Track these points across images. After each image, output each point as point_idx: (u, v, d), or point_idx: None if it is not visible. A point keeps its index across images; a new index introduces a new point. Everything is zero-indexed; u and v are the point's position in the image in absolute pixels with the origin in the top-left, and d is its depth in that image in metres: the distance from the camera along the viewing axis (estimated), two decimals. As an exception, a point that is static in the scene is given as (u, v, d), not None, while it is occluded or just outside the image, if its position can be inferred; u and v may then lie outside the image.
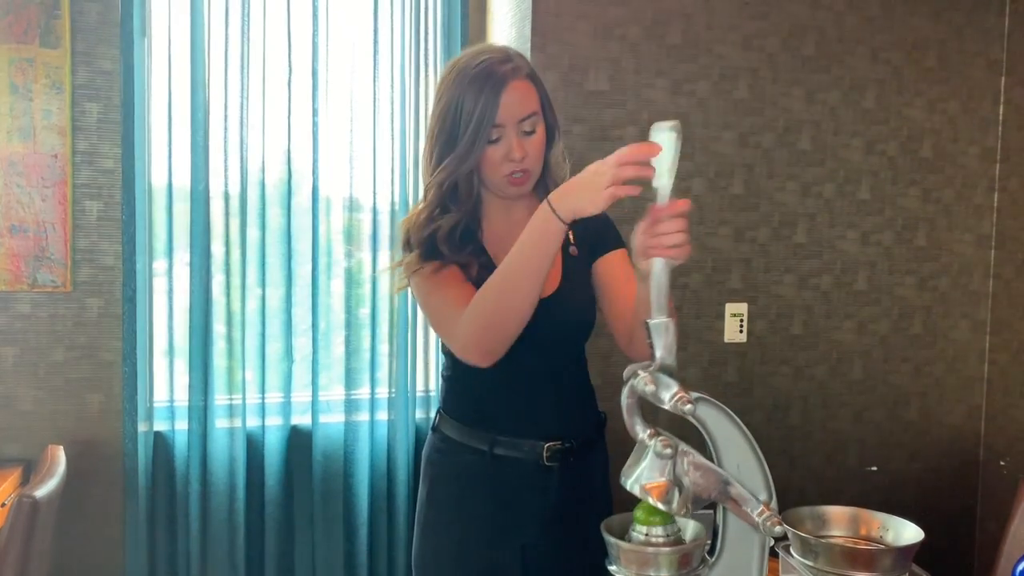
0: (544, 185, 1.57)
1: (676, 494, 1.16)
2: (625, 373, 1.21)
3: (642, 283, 1.29)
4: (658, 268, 1.21)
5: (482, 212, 1.58)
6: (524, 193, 1.56)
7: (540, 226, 1.34)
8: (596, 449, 1.63)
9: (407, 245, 1.54)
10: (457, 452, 1.58)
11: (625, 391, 1.19)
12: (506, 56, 1.48)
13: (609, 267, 1.60)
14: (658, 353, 1.18)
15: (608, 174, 1.24)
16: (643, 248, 1.24)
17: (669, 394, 1.15)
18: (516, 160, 1.47)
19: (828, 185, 2.86)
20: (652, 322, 1.18)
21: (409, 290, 1.59)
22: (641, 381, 1.16)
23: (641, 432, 1.17)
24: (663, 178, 1.20)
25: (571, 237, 1.58)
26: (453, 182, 1.50)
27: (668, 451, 1.15)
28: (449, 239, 1.51)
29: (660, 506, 1.16)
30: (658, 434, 1.16)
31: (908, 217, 2.95)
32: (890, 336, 2.97)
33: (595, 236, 1.60)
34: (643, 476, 1.16)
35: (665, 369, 1.17)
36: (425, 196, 1.56)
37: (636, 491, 1.18)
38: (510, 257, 1.38)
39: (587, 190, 1.28)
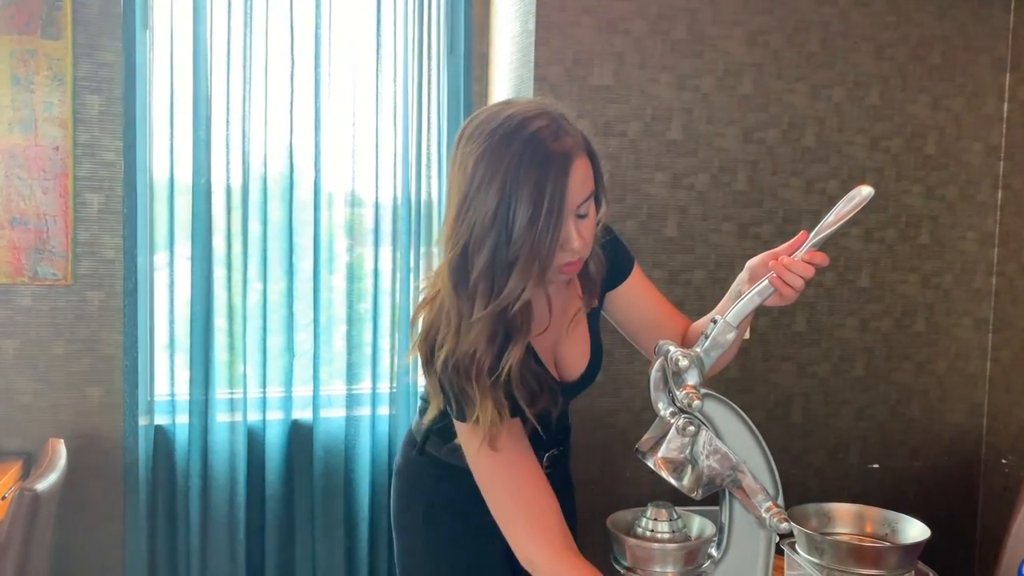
0: (585, 264, 1.35)
1: (688, 471, 1.17)
2: (657, 347, 1.21)
3: (736, 289, 1.33)
4: (760, 290, 1.24)
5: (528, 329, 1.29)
6: (571, 277, 1.35)
7: None
8: (568, 445, 1.61)
9: (441, 387, 1.24)
10: (459, 477, 1.39)
11: (656, 363, 1.19)
12: (558, 125, 1.18)
13: (630, 294, 1.50)
14: (705, 345, 1.20)
15: None
16: (760, 264, 1.27)
17: (688, 383, 1.15)
18: (576, 250, 1.22)
19: (832, 182, 2.85)
20: (721, 320, 1.21)
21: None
22: (676, 354, 1.17)
23: (664, 409, 1.17)
24: (829, 228, 1.22)
25: (580, 292, 1.41)
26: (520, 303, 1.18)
27: (691, 429, 1.15)
28: (524, 380, 1.24)
29: (671, 480, 1.16)
30: (682, 412, 1.16)
31: (911, 214, 2.94)
32: (893, 333, 2.96)
33: (610, 268, 1.44)
34: (661, 450, 1.17)
35: (701, 363, 1.18)
36: (458, 319, 1.20)
37: (650, 463, 1.18)
38: None
39: None
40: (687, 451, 1.16)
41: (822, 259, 1.23)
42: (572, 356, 1.43)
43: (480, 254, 1.15)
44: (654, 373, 1.19)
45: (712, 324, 1.21)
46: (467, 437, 1.27)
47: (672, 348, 1.18)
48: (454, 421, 1.29)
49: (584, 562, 1.21)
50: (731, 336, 1.19)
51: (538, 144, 1.14)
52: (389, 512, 2.86)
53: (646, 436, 1.22)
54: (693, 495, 1.18)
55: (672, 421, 1.16)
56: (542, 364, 1.35)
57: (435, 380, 1.25)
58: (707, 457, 1.17)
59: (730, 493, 1.19)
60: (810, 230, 1.25)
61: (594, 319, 1.47)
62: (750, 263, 1.30)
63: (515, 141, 1.14)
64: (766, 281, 1.23)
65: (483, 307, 1.17)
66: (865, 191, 1.20)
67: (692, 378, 1.16)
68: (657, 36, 2.66)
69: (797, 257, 1.24)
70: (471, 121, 1.22)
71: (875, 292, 2.93)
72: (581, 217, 1.21)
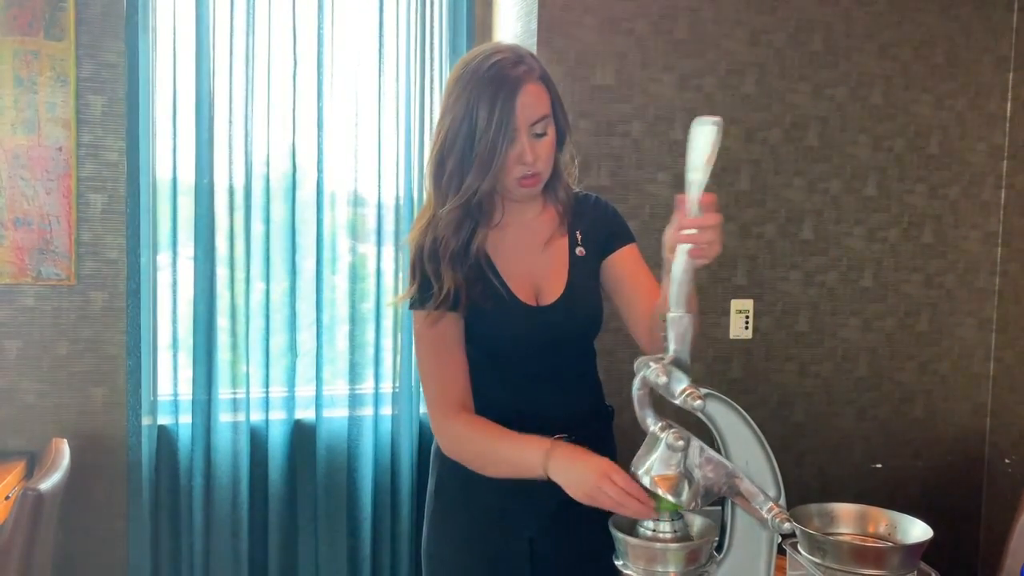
0: (553, 188, 1.55)
1: (686, 486, 1.16)
2: (636, 364, 1.20)
3: (666, 277, 1.26)
4: (679, 262, 1.18)
5: (490, 219, 1.54)
6: (534, 195, 1.53)
7: (525, 464, 1.37)
8: (604, 443, 1.62)
9: (414, 269, 1.51)
10: None
11: (637, 382, 1.18)
12: (518, 56, 1.44)
13: (621, 265, 1.58)
14: (672, 347, 1.17)
15: (601, 491, 1.24)
16: (672, 242, 1.21)
17: (679, 388, 1.14)
18: (528, 164, 1.43)
19: (835, 181, 2.84)
20: (670, 315, 1.17)
21: None
22: (653, 372, 1.15)
23: (652, 424, 1.17)
24: (697, 172, 1.16)
25: (578, 237, 1.57)
26: (479, 197, 1.45)
27: (680, 443, 1.14)
28: (457, 258, 1.47)
29: (670, 498, 1.16)
30: (670, 426, 1.16)
31: (915, 214, 2.94)
32: (896, 333, 2.96)
33: (604, 233, 1.59)
34: (654, 467, 1.16)
35: (678, 363, 1.17)
36: (435, 210, 1.49)
37: (646, 482, 1.17)
38: (492, 449, 1.44)
39: (580, 483, 1.28)
40: (681, 465, 1.16)
41: (711, 199, 1.19)
42: (551, 284, 1.54)
43: (451, 157, 1.43)
44: (636, 392, 1.18)
45: (663, 323, 1.18)
46: (419, 321, 1.50)
47: (650, 365, 1.17)
48: (413, 315, 1.52)
49: (475, 418, 1.47)
50: (687, 320, 1.17)
51: (497, 69, 1.40)
52: (394, 510, 2.88)
53: (639, 454, 1.21)
54: (692, 507, 1.18)
55: (661, 436, 1.15)
56: (499, 275, 1.51)
57: (412, 269, 1.50)
58: (701, 468, 1.16)
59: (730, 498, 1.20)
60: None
61: (580, 262, 1.56)
62: (666, 240, 1.23)
63: (480, 69, 1.41)
64: (684, 254, 1.18)
65: (452, 199, 1.44)
66: (711, 121, 1.16)
67: (681, 383, 1.15)
68: (659, 36, 2.66)
69: (693, 214, 1.18)
70: (455, 65, 1.49)
71: (878, 292, 2.93)
72: (538, 136, 1.43)
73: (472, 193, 1.43)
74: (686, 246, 1.17)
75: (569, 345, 1.57)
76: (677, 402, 1.15)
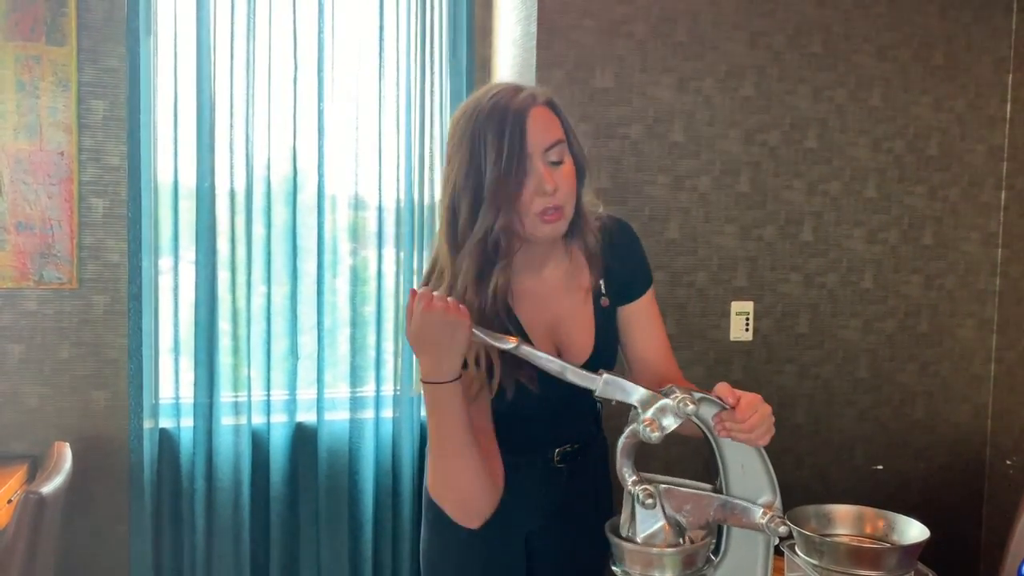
0: (579, 230, 1.42)
1: (680, 533, 1.17)
2: (631, 413, 1.19)
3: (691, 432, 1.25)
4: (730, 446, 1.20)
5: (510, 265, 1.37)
6: (559, 234, 1.37)
7: (427, 399, 1.26)
8: (597, 441, 1.62)
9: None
10: None
11: (626, 431, 1.18)
12: (516, 87, 1.34)
13: (637, 315, 1.51)
14: (665, 424, 1.17)
15: (450, 321, 1.19)
16: (723, 433, 1.20)
17: (645, 414, 1.16)
18: (548, 192, 1.30)
19: (834, 183, 2.85)
20: (692, 413, 1.17)
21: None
22: (647, 432, 1.16)
23: (628, 477, 1.18)
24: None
25: (602, 286, 1.48)
26: (496, 236, 1.30)
27: (651, 501, 1.15)
28: (480, 291, 1.33)
29: (675, 553, 1.16)
30: (640, 481, 1.16)
31: (915, 215, 2.94)
32: (896, 335, 2.96)
33: (626, 280, 1.50)
34: (640, 529, 1.17)
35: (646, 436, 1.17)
36: (447, 272, 1.35)
37: (644, 548, 1.18)
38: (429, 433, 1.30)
39: (416, 333, 1.21)
40: (662, 516, 1.17)
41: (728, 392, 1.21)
42: (575, 340, 1.46)
43: (463, 202, 1.31)
44: (623, 439, 1.19)
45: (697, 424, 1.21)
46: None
47: (643, 424, 1.17)
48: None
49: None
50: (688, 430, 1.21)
51: (497, 103, 1.31)
52: (396, 512, 2.88)
53: (622, 519, 1.21)
54: (702, 542, 1.18)
55: (633, 492, 1.16)
56: (523, 331, 1.40)
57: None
58: (680, 511, 1.17)
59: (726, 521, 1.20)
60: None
61: (605, 315, 1.48)
62: (712, 423, 1.21)
63: (480, 106, 1.31)
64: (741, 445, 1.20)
65: (468, 244, 1.31)
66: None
67: (670, 427, 1.18)
68: (658, 38, 2.66)
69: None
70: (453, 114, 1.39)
71: (878, 293, 2.93)
72: (554, 164, 1.32)
73: (487, 231, 1.30)
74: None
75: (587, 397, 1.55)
76: (671, 404, 1.16)
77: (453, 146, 1.33)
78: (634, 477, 1.17)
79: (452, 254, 1.35)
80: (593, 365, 1.42)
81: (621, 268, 1.49)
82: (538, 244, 1.39)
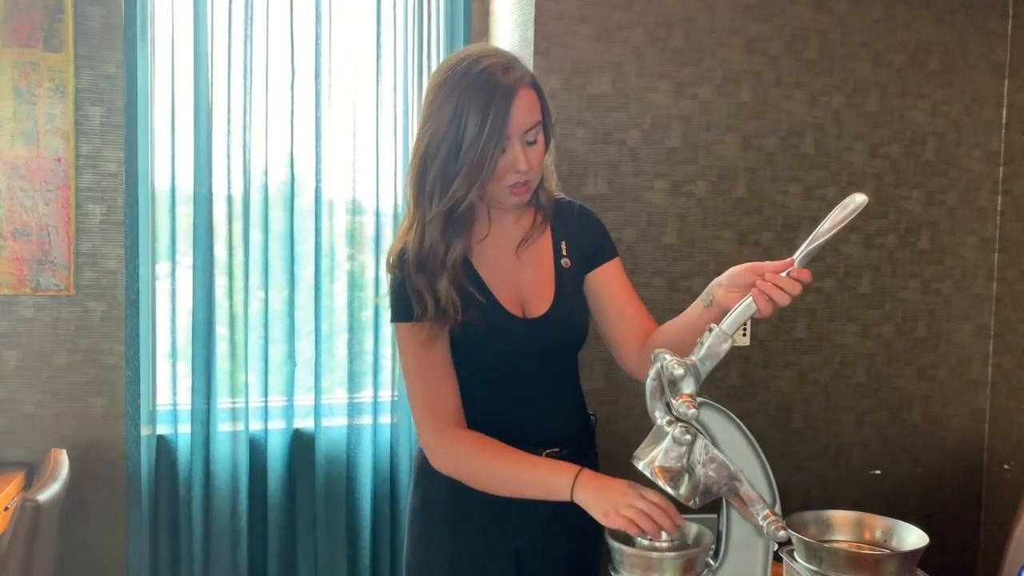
0: (536, 194, 1.51)
1: (685, 479, 1.17)
2: (653, 355, 1.22)
3: (704, 307, 1.37)
4: (748, 304, 1.24)
5: (473, 229, 1.49)
6: (524, 203, 1.50)
7: (550, 487, 1.35)
8: (588, 454, 1.62)
9: (400, 281, 1.46)
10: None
11: (651, 372, 1.20)
12: (508, 62, 1.38)
13: (607, 281, 1.57)
14: (701, 354, 1.20)
15: (633, 508, 1.23)
16: (746, 283, 1.29)
17: (684, 391, 1.16)
18: (522, 172, 1.40)
19: (831, 188, 2.85)
20: (718, 329, 1.21)
21: None
22: (672, 363, 1.17)
23: (660, 418, 1.18)
24: (826, 236, 1.21)
25: (563, 248, 1.55)
26: (464, 205, 1.39)
27: (687, 437, 1.16)
28: (448, 270, 1.43)
29: (668, 489, 1.17)
30: (678, 420, 1.17)
31: (911, 220, 2.95)
32: (893, 340, 2.97)
33: (589, 246, 1.58)
34: (658, 458, 1.17)
35: (697, 370, 1.19)
36: (415, 222, 1.43)
37: (648, 472, 1.18)
38: (509, 473, 1.40)
39: (613, 503, 1.26)
40: (684, 460, 1.16)
41: (808, 276, 1.25)
42: (536, 294, 1.52)
43: (435, 162, 1.37)
44: (649, 382, 1.19)
45: (708, 332, 1.21)
46: (404, 334, 1.46)
47: (668, 356, 1.18)
48: (395, 327, 1.48)
49: (474, 435, 1.44)
50: (726, 347, 1.20)
51: (488, 75, 1.35)
52: (394, 519, 2.87)
53: (643, 445, 1.22)
54: (690, 504, 1.18)
55: (668, 430, 1.16)
56: (485, 287, 1.48)
57: (398, 282, 1.46)
58: (704, 465, 1.17)
59: (727, 501, 1.20)
60: (808, 238, 1.25)
61: (566, 275, 1.55)
62: (733, 270, 1.33)
63: (469, 73, 1.36)
64: (750, 298, 1.25)
65: (436, 206, 1.38)
66: (859, 199, 1.21)
67: (688, 387, 1.17)
68: (655, 44, 2.67)
69: (797, 263, 1.24)
70: (437, 68, 1.44)
71: (875, 298, 2.94)
72: (529, 144, 1.40)
73: (458, 201, 1.38)
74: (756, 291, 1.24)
75: (556, 358, 1.56)
76: (674, 404, 1.16)
77: (434, 106, 1.37)
78: (668, 416, 1.18)
79: (419, 208, 1.42)
80: (552, 317, 1.50)
81: (583, 236, 1.57)
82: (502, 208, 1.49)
